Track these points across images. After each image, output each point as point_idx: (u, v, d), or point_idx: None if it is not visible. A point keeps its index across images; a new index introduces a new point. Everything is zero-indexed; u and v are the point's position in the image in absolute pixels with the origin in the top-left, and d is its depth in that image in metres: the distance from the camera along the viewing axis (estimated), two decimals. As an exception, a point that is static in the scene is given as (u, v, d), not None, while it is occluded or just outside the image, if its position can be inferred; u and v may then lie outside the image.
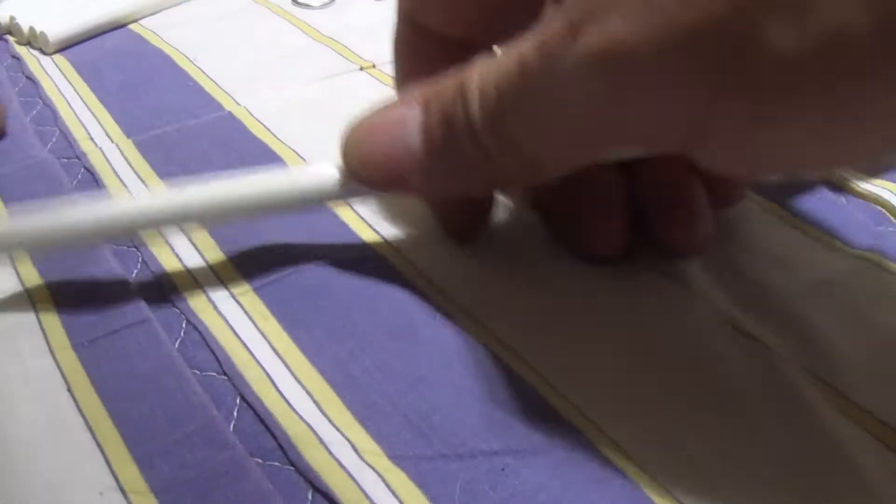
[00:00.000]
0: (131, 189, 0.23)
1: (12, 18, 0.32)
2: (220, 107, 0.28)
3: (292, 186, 0.19)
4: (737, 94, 0.12)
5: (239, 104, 0.28)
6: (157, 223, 0.19)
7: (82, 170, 0.24)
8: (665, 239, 0.20)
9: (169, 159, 0.25)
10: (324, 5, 0.35)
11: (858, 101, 0.12)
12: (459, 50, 0.18)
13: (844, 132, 0.13)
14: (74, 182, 0.24)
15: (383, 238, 0.21)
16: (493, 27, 0.19)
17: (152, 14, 0.34)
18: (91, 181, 0.24)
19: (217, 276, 0.20)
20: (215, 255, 0.21)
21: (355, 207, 0.22)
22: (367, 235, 0.21)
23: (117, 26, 0.33)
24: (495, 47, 0.18)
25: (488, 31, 0.19)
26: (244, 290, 0.20)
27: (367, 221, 0.22)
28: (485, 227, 0.21)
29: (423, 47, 0.20)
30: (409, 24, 0.20)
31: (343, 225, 0.22)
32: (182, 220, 0.19)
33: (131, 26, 0.34)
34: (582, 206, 0.20)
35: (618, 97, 0.13)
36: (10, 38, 0.33)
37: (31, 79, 0.29)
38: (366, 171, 0.18)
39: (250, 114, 0.27)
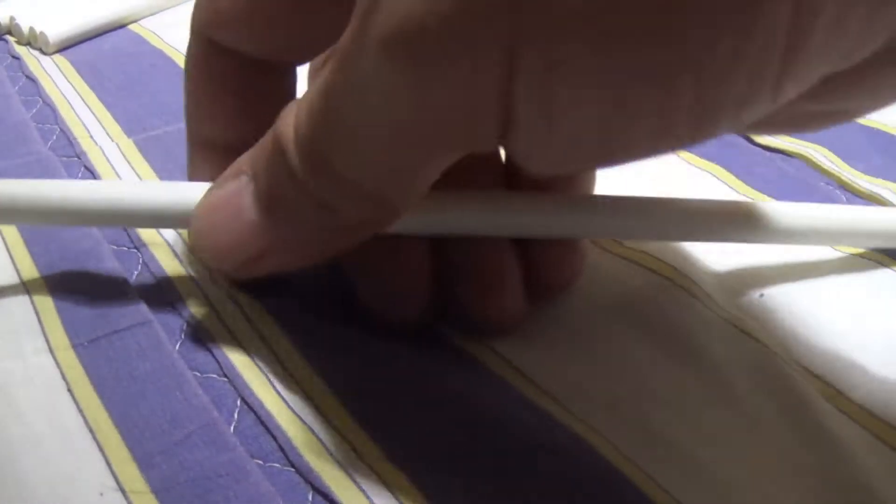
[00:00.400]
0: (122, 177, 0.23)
1: (12, 19, 0.32)
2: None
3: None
4: (532, 57, 0.11)
5: None
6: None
7: (82, 169, 0.24)
8: (474, 311, 0.18)
9: (169, 159, 0.25)
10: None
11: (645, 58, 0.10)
12: (261, 71, 0.17)
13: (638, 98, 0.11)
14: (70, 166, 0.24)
15: None
16: (300, 45, 0.17)
17: (152, 14, 0.34)
18: (91, 180, 0.24)
19: (217, 277, 0.20)
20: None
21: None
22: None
23: (117, 26, 0.33)
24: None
25: (294, 49, 0.17)
26: (243, 293, 0.20)
27: None
28: (425, 307, 0.18)
29: (219, 67, 0.18)
30: (204, 42, 0.18)
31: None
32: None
33: (131, 26, 0.34)
34: (388, 273, 0.18)
35: (419, 87, 0.12)
36: (10, 39, 0.33)
37: (30, 78, 0.29)
38: (218, 260, 0.16)
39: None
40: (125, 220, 0.18)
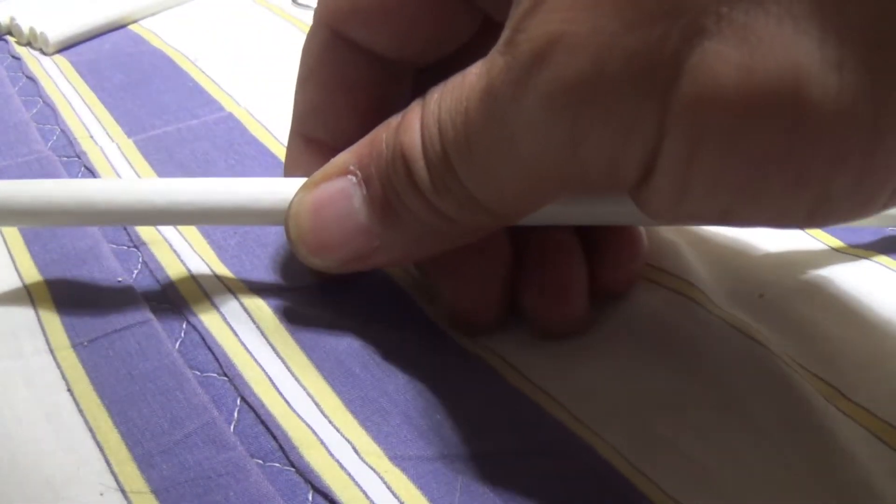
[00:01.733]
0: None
1: (12, 19, 0.32)
2: (220, 107, 0.28)
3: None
4: (681, 118, 0.12)
5: (239, 105, 0.28)
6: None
7: (82, 168, 0.24)
8: (538, 315, 0.19)
9: (169, 159, 0.25)
10: (324, 6, 0.35)
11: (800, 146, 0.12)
12: (384, 71, 0.17)
13: (780, 179, 0.12)
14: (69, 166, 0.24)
15: None
16: (434, 47, 0.17)
17: (153, 15, 0.34)
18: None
19: (217, 277, 0.20)
20: (215, 258, 0.21)
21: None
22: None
23: (117, 27, 0.33)
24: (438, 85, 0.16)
25: (427, 52, 0.17)
26: (244, 290, 0.20)
27: None
28: (501, 312, 0.19)
29: (342, 60, 0.17)
30: (330, 35, 0.17)
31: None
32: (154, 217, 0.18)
33: (131, 27, 0.34)
34: (474, 278, 0.18)
35: (575, 138, 0.13)
36: (11, 39, 0.33)
37: (31, 78, 0.29)
38: (321, 258, 0.17)
39: (251, 115, 0.27)
40: (221, 219, 0.18)
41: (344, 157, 0.16)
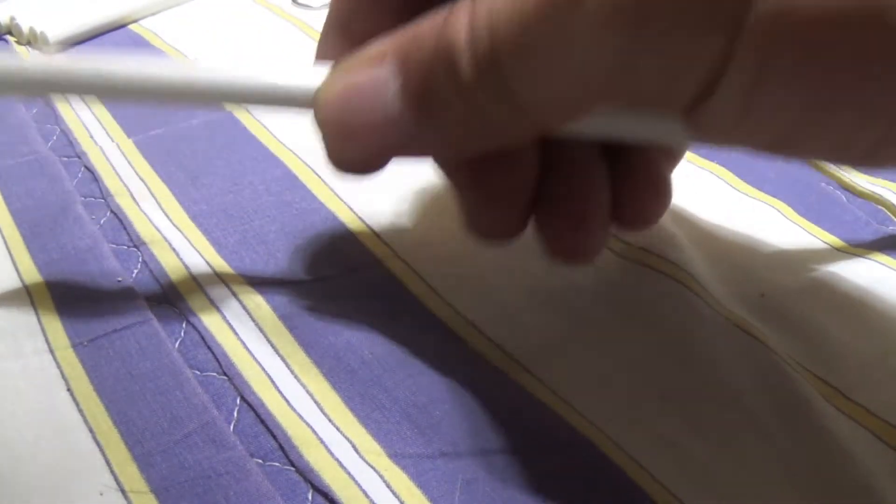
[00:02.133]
0: (132, 189, 0.23)
1: (12, 19, 0.32)
2: (220, 107, 0.28)
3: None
4: (753, 38, 0.12)
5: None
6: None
7: (83, 168, 0.24)
8: (554, 238, 0.18)
9: (169, 159, 0.25)
10: (324, 6, 0.35)
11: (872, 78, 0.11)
12: None
13: (845, 115, 0.12)
14: (75, 181, 0.24)
15: (385, 243, 0.21)
16: None
17: (152, 14, 0.34)
18: (91, 180, 0.24)
19: (217, 275, 0.20)
20: (215, 255, 0.21)
21: (360, 214, 0.22)
22: (372, 243, 0.21)
23: (118, 26, 0.33)
24: None
25: None
26: (243, 287, 0.20)
27: (371, 227, 0.22)
28: (521, 229, 0.18)
29: None
30: None
31: (349, 232, 0.22)
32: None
33: (131, 27, 0.34)
34: (488, 186, 0.18)
35: (637, 46, 0.12)
36: (11, 39, 0.33)
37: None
38: (346, 147, 0.16)
39: (251, 114, 0.27)
40: (245, 98, 0.17)
41: (381, 45, 0.15)
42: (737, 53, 0.12)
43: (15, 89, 0.18)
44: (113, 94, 0.17)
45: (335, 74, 0.16)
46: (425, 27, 0.15)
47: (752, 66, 0.12)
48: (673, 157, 0.20)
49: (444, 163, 0.18)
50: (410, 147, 0.16)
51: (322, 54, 0.19)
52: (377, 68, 0.15)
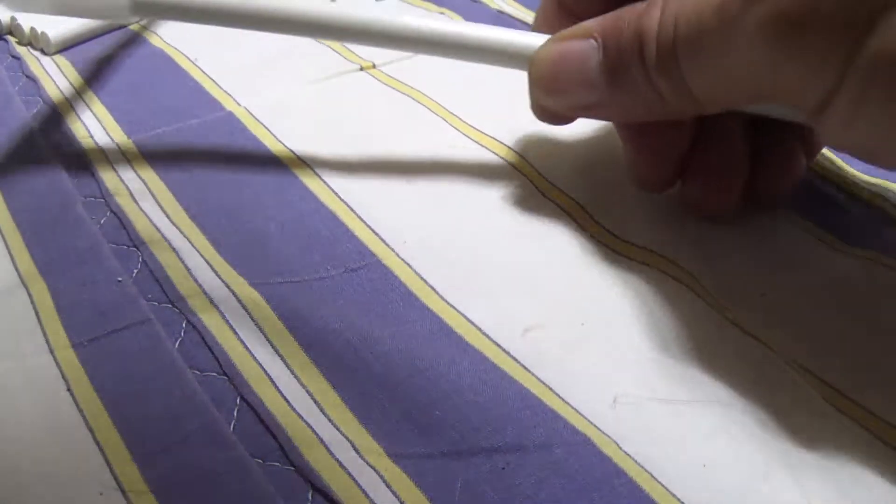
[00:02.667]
0: (132, 188, 0.23)
1: (13, 19, 0.32)
2: (220, 107, 0.28)
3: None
4: (860, 67, 0.14)
5: (239, 104, 0.28)
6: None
7: (83, 170, 0.24)
8: (697, 193, 0.22)
9: (169, 159, 0.25)
10: None
11: None
12: None
13: None
14: (75, 181, 0.24)
15: (385, 243, 0.21)
16: None
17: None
18: (92, 180, 0.24)
19: (217, 275, 0.20)
20: (215, 255, 0.21)
21: (360, 214, 0.22)
22: (370, 241, 0.21)
23: (118, 27, 0.33)
24: None
25: None
26: (243, 286, 0.20)
27: (371, 227, 0.22)
28: (672, 183, 0.22)
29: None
30: None
31: (347, 231, 0.22)
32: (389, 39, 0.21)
33: (132, 27, 0.34)
34: (648, 142, 0.22)
35: (779, 57, 0.15)
36: (11, 39, 0.33)
37: (31, 78, 0.29)
38: (552, 99, 0.20)
39: (251, 114, 0.27)
40: (477, 56, 0.21)
41: (590, 24, 0.19)
42: (849, 75, 0.15)
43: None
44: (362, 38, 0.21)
45: (551, 41, 0.20)
46: (626, 14, 0.19)
47: (859, 88, 0.15)
48: (811, 153, 0.23)
49: (620, 121, 0.22)
50: (599, 109, 0.20)
51: (537, 28, 0.23)
52: (585, 42, 0.19)
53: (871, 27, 0.14)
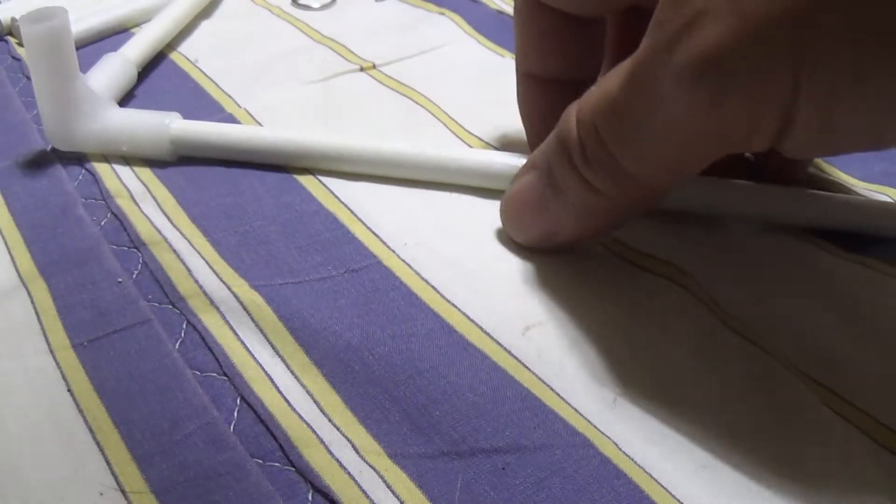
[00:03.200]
0: (132, 190, 0.23)
1: (13, 19, 0.32)
2: (220, 108, 0.28)
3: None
4: (815, 73, 0.14)
5: (239, 106, 0.28)
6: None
7: (83, 171, 0.24)
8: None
9: (168, 161, 0.25)
10: (324, 6, 0.35)
11: None
12: (573, 22, 0.21)
13: None
14: (76, 182, 0.24)
15: (385, 244, 0.21)
16: (605, 6, 0.21)
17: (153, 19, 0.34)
18: (92, 182, 0.24)
19: (217, 276, 0.20)
20: (215, 256, 0.21)
21: (359, 215, 0.22)
22: (371, 243, 0.21)
23: (119, 31, 0.33)
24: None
25: (600, 8, 0.21)
26: (243, 288, 0.20)
27: (372, 229, 0.22)
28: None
29: (541, 19, 0.21)
30: (531, 0, 0.21)
31: (348, 233, 0.22)
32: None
33: (133, 30, 0.34)
34: None
35: (715, 103, 0.15)
36: (11, 40, 0.33)
37: (31, 79, 0.29)
38: (524, 235, 0.21)
39: (250, 115, 0.27)
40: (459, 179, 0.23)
41: (532, 157, 0.20)
42: (802, 84, 0.14)
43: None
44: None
45: (511, 184, 0.21)
46: (551, 134, 0.19)
47: (824, 92, 0.14)
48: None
49: (589, 240, 0.21)
50: (560, 233, 0.20)
51: (521, 97, 0.24)
52: (528, 175, 0.20)
53: (812, 25, 0.13)
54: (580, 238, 0.20)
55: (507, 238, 0.22)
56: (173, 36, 0.32)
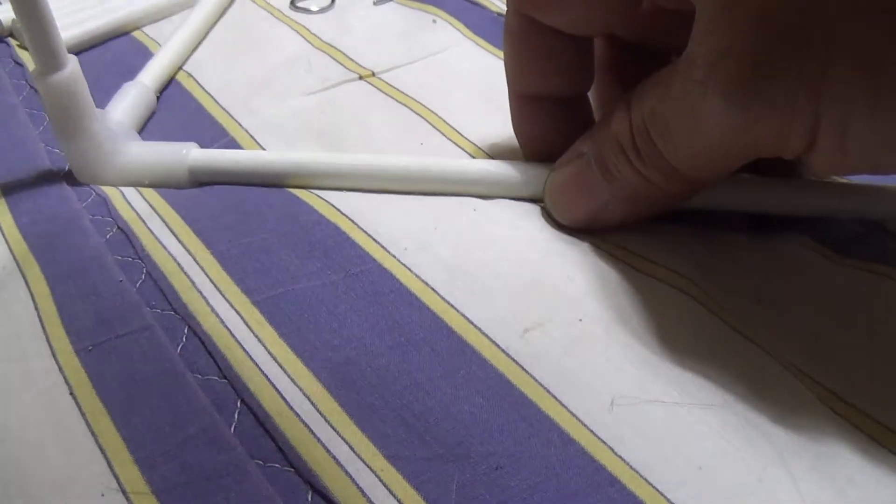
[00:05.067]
0: (139, 210, 0.23)
1: (14, 21, 0.32)
2: (223, 130, 0.27)
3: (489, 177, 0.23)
4: (832, 85, 0.15)
5: (241, 126, 0.27)
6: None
7: (93, 195, 0.24)
8: None
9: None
10: (322, 10, 0.35)
11: None
12: (567, 41, 0.21)
13: None
14: (84, 204, 0.24)
15: (386, 249, 0.21)
16: (599, 25, 0.22)
17: (154, 22, 0.34)
18: (101, 203, 0.23)
19: (216, 288, 0.20)
20: (217, 270, 0.21)
21: (360, 224, 0.22)
22: (371, 248, 0.22)
23: (120, 34, 0.33)
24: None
25: (594, 27, 0.22)
26: (242, 302, 0.20)
27: (372, 236, 0.22)
28: None
29: (534, 37, 0.22)
30: (523, 18, 0.22)
31: (348, 239, 0.22)
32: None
33: (134, 34, 0.33)
34: None
35: (749, 120, 0.17)
36: (13, 42, 0.33)
37: (34, 88, 0.30)
38: (571, 217, 0.22)
39: (252, 138, 0.27)
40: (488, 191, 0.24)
41: (578, 145, 0.22)
42: (824, 111, 0.16)
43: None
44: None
45: (555, 172, 0.22)
46: (604, 124, 0.21)
47: (839, 117, 0.16)
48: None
49: (633, 220, 0.22)
50: (610, 212, 0.21)
51: (514, 116, 0.24)
52: (580, 159, 0.21)
53: (828, 57, 0.15)
54: (625, 220, 0.22)
55: (508, 241, 0.22)
56: (187, 56, 0.32)
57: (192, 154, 0.24)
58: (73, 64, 0.22)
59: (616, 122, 0.20)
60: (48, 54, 0.22)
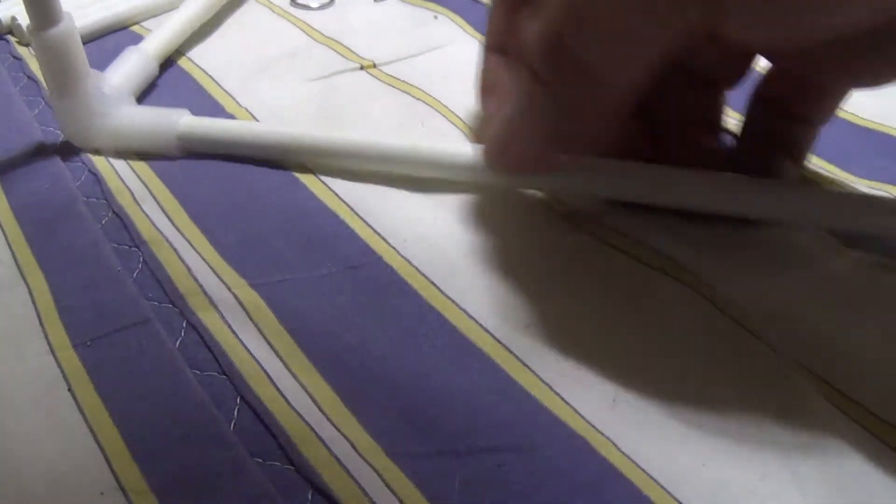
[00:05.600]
0: (133, 190, 0.23)
1: (13, 18, 0.32)
2: (221, 108, 0.28)
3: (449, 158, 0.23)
4: None
5: (240, 105, 0.28)
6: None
7: (86, 172, 0.24)
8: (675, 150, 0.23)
9: (170, 161, 0.25)
10: (322, 6, 0.35)
11: None
12: None
13: None
14: (78, 183, 0.24)
15: (386, 241, 0.21)
16: None
17: (154, 17, 0.34)
18: (94, 182, 0.24)
19: (216, 275, 0.20)
20: (215, 255, 0.21)
21: (359, 212, 0.22)
22: (372, 240, 0.21)
23: (119, 28, 0.33)
24: None
25: None
26: (242, 287, 0.20)
27: (372, 226, 0.22)
28: None
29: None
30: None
31: (348, 229, 0.22)
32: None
33: (133, 28, 0.34)
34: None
35: None
36: (12, 39, 0.33)
37: (32, 79, 0.30)
38: (503, 164, 0.21)
39: (251, 115, 0.27)
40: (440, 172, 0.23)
41: (490, 101, 0.22)
42: None
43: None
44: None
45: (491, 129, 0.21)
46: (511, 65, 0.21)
47: None
48: (798, 157, 0.23)
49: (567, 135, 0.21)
50: (559, 137, 0.20)
51: (481, 70, 0.24)
52: (505, 110, 0.20)
53: None
54: (578, 138, 0.21)
55: (509, 235, 0.22)
56: (193, 31, 0.32)
57: (183, 120, 0.24)
58: (67, 20, 0.22)
59: (524, 32, 0.19)
60: (44, 9, 0.21)
